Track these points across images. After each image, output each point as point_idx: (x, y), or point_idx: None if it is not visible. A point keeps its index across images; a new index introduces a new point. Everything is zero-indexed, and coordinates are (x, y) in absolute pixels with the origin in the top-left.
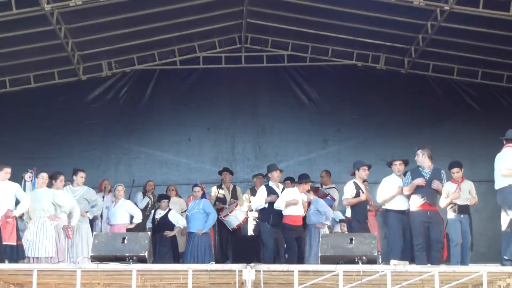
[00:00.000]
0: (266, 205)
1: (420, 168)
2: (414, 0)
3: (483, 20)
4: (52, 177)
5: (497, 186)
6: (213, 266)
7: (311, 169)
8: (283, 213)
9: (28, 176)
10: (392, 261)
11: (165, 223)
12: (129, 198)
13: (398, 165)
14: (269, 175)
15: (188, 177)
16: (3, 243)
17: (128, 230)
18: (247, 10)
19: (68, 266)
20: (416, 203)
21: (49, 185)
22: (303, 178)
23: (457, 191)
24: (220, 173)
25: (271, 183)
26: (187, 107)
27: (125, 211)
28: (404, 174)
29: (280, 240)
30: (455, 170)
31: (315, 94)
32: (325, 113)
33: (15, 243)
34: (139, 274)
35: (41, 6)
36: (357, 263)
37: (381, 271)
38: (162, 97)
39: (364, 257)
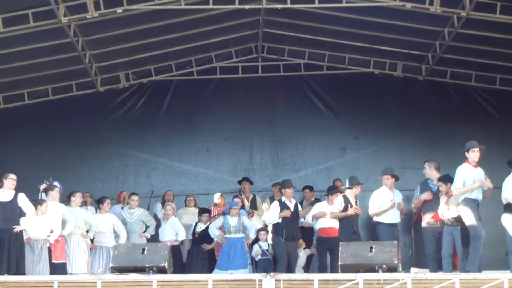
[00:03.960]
0: (280, 220)
1: (428, 181)
2: (431, 7)
3: (501, 26)
4: (99, 201)
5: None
6: (233, 275)
7: (330, 177)
8: (315, 227)
9: (43, 187)
10: (413, 269)
11: (205, 237)
12: (148, 209)
13: (385, 179)
14: (283, 190)
15: (206, 187)
16: (54, 261)
17: (172, 247)
18: (263, 20)
19: (89, 277)
20: (427, 215)
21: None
22: (331, 190)
23: (444, 205)
24: (239, 182)
25: (283, 198)
26: (205, 117)
27: (171, 228)
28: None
29: (293, 253)
30: (438, 184)
31: (333, 102)
32: (342, 121)
33: (65, 261)
34: (159, 284)
35: (58, 18)
36: (377, 271)
37: (402, 279)
38: (179, 107)
39: (384, 265)
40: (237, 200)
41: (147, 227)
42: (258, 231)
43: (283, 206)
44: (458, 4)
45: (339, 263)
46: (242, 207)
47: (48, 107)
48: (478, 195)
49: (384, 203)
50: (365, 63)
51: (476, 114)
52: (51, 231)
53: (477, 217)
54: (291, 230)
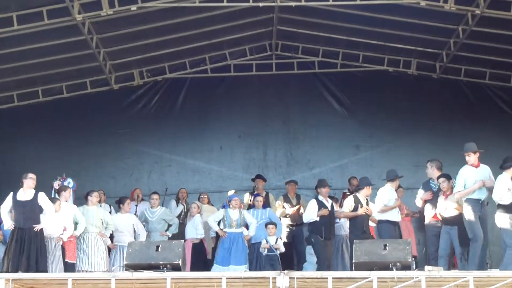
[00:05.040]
0: (318, 218)
1: (430, 180)
2: (445, 5)
3: None
4: (120, 201)
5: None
6: (247, 273)
7: (343, 175)
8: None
9: (56, 183)
10: (427, 267)
11: None
12: (162, 206)
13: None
14: (318, 190)
15: (220, 184)
16: (68, 260)
17: (194, 244)
18: (277, 18)
19: (103, 275)
20: (428, 214)
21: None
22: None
23: (442, 204)
24: (253, 180)
25: (320, 198)
26: (218, 115)
27: (192, 227)
28: None
29: (330, 252)
30: (440, 180)
31: (346, 100)
32: (356, 119)
33: (75, 261)
34: (173, 282)
35: (73, 16)
36: (391, 269)
37: (416, 277)
38: (193, 105)
39: (398, 263)
40: (259, 198)
41: (169, 225)
42: (266, 225)
43: (321, 205)
44: (472, 2)
45: (353, 261)
46: (264, 205)
47: (62, 104)
48: (480, 195)
49: (391, 201)
50: (379, 61)
51: (491, 112)
52: (64, 229)
53: (479, 217)
54: (329, 229)
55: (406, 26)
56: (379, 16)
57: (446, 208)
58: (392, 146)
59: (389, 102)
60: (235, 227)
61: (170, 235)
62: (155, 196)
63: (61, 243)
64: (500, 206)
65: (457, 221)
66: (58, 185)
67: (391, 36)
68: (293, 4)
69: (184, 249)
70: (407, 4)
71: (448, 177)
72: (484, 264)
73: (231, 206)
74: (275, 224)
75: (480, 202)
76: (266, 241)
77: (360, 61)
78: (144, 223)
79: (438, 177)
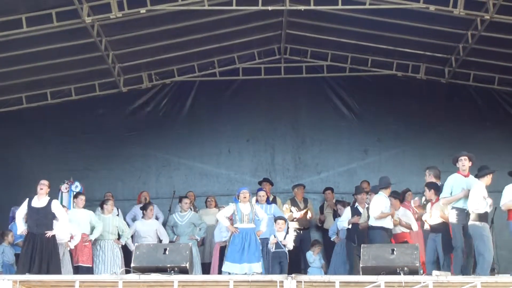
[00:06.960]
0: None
1: None
2: (454, 10)
3: None
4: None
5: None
6: (254, 276)
7: (352, 179)
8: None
9: (64, 187)
10: (434, 272)
11: None
12: (169, 210)
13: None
14: (355, 197)
15: (228, 188)
16: (82, 264)
17: (221, 247)
18: (286, 21)
19: (110, 277)
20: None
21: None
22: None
23: (427, 212)
24: (260, 183)
25: (356, 204)
26: (227, 118)
27: (219, 231)
28: None
29: None
30: (425, 189)
31: (355, 104)
32: (365, 123)
33: (91, 265)
34: (180, 285)
35: (82, 18)
36: (399, 274)
37: (423, 282)
38: (201, 108)
39: (405, 268)
40: (261, 193)
41: (198, 229)
42: (275, 219)
43: (355, 212)
44: (481, 7)
45: (361, 265)
46: (267, 200)
47: (71, 107)
48: (465, 205)
49: (386, 208)
50: (388, 65)
51: (499, 117)
52: (71, 237)
53: (462, 226)
54: (362, 235)
55: (415, 30)
56: (388, 20)
57: (431, 215)
58: (400, 151)
59: (397, 107)
60: (246, 222)
61: (199, 239)
62: (186, 200)
63: (68, 249)
64: (473, 214)
65: (442, 228)
66: (66, 188)
67: (400, 41)
68: (302, 8)
69: (192, 251)
70: (416, 9)
71: (430, 186)
72: (468, 271)
73: (240, 200)
74: (284, 219)
75: (466, 211)
76: (274, 236)
77: (368, 65)
78: (173, 227)
79: (425, 185)
